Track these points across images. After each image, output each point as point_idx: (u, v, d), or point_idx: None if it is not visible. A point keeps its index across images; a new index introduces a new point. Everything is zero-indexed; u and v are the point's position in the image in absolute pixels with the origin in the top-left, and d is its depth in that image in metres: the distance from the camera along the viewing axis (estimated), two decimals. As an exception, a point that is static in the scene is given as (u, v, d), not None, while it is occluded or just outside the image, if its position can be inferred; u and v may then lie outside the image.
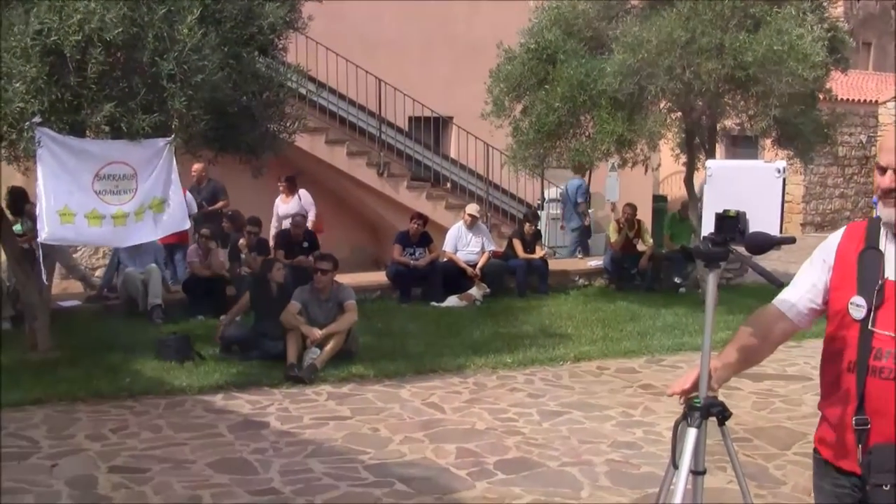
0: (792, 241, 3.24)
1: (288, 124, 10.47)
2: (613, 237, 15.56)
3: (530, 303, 13.93)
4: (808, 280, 3.27)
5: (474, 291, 13.76)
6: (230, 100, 9.19)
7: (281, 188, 14.94)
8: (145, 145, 8.63)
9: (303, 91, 14.29)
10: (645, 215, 18.03)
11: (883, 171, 3.04)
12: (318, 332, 9.68)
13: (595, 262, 16.16)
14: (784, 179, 3.21)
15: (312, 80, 15.07)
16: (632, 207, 15.78)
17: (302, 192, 14.99)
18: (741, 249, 3.27)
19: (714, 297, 3.37)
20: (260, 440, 7.60)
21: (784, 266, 14.65)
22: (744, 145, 23.97)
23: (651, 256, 15.33)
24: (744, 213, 3.21)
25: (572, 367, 10.33)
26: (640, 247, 15.62)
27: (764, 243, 3.18)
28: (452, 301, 13.61)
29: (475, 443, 7.57)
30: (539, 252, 15.10)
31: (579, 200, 17.43)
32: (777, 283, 3.25)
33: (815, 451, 3.30)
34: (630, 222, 15.55)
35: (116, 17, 7.85)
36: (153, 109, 8.36)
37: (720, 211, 3.24)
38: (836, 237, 3.24)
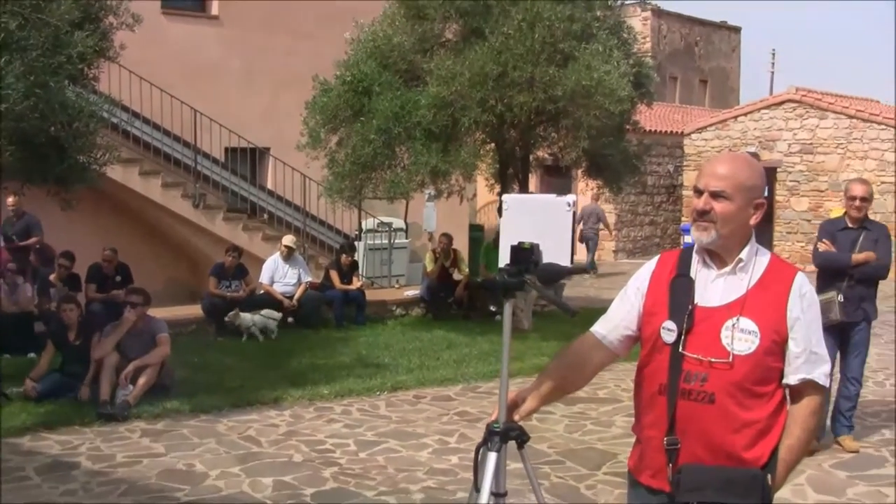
0: (584, 271, 3.41)
1: (99, 155, 10.21)
2: (430, 266, 15.75)
3: (348, 333, 13.97)
4: (622, 308, 3.41)
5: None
6: (37, 130, 8.91)
7: None
8: (-55, 178, 8.35)
9: (115, 121, 14.00)
10: (462, 244, 18.28)
11: (700, 193, 3.21)
12: (129, 367, 9.49)
13: (412, 292, 16.33)
14: (574, 213, 3.37)
15: (126, 109, 14.78)
16: (447, 237, 16.01)
17: None
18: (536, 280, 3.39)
19: (510, 326, 3.49)
20: (70, 481, 7.36)
21: (597, 292, 15.19)
22: (557, 175, 24.66)
23: (467, 285, 15.57)
24: (537, 245, 3.35)
25: (389, 396, 10.39)
26: (457, 276, 15.86)
27: (555, 274, 3.33)
28: (266, 312, 13.55)
29: (292, 475, 7.54)
30: (356, 283, 15.17)
31: None
32: (570, 313, 3.40)
33: (629, 472, 3.45)
34: (446, 252, 15.77)
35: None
36: (-46, 140, 8.09)
37: (515, 243, 3.38)
38: (649, 266, 3.41)
